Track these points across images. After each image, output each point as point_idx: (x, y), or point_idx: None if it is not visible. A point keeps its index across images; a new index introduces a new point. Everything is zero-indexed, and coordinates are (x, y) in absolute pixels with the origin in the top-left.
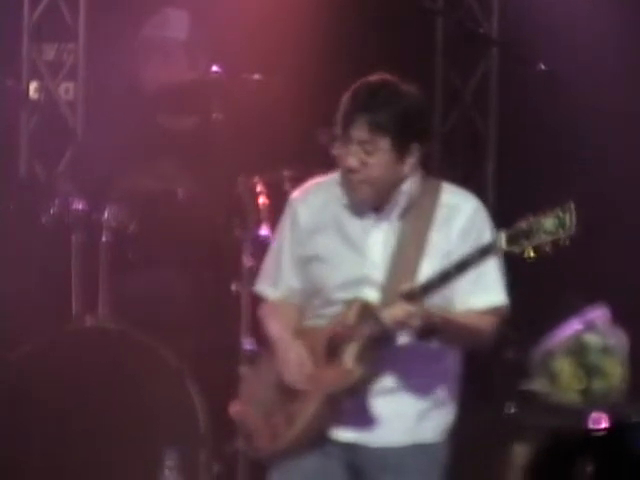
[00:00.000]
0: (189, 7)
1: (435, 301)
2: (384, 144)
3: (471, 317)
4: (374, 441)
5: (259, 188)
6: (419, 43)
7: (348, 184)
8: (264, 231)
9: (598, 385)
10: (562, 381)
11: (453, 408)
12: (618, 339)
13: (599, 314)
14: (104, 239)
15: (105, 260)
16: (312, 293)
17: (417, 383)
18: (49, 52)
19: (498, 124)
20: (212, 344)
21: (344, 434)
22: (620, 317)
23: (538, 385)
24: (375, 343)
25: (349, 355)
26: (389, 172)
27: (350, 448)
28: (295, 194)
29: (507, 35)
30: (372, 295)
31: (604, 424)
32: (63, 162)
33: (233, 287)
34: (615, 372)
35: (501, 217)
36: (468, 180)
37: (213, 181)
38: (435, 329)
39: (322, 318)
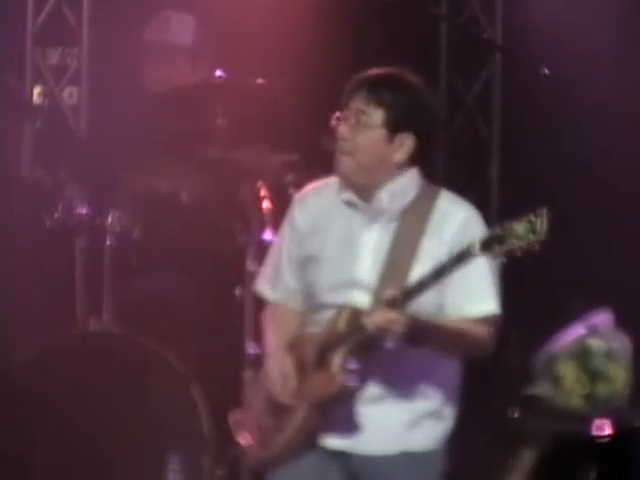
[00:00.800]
0: (192, 11)
1: (429, 310)
2: (377, 117)
3: (464, 325)
4: (363, 449)
5: (263, 192)
6: (423, 48)
7: (337, 155)
8: (268, 236)
9: (602, 390)
10: (565, 386)
11: (450, 417)
12: (622, 344)
13: (603, 318)
14: (108, 243)
15: (109, 264)
16: (307, 295)
17: (407, 391)
18: (53, 56)
19: (501, 129)
20: (216, 348)
21: (334, 442)
22: (624, 321)
23: (541, 389)
24: (361, 350)
25: (335, 362)
26: (376, 148)
27: (341, 456)
28: (296, 196)
29: (511, 40)
30: (362, 299)
31: (608, 430)
32: (67, 166)
33: (237, 292)
34: (619, 377)
35: (505, 220)
36: (471, 185)
37: (217, 185)
38: (422, 336)
39: (315, 324)
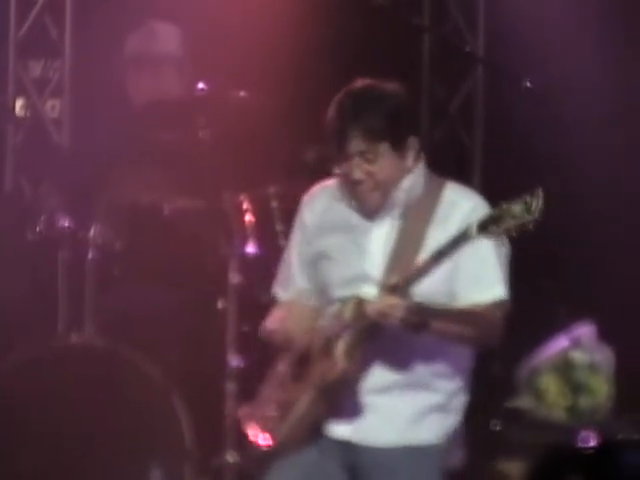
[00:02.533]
0: (174, 23)
1: (441, 300)
2: (383, 149)
3: (473, 311)
4: (367, 439)
5: (245, 205)
6: (405, 58)
7: (358, 195)
8: (250, 248)
9: (584, 402)
10: (548, 398)
11: (457, 411)
12: (604, 356)
13: (585, 331)
14: (90, 256)
15: (91, 277)
16: (321, 293)
17: (413, 384)
18: (35, 69)
19: (483, 140)
20: (198, 361)
21: (339, 431)
22: (606, 333)
23: (524, 402)
24: (364, 337)
25: (339, 349)
26: (394, 172)
27: (345, 445)
28: (305, 197)
29: (493, 51)
30: (371, 292)
31: (593, 442)
32: (48, 179)
33: (219, 304)
34: (601, 389)
35: None
36: None
37: (199, 198)
38: (426, 321)
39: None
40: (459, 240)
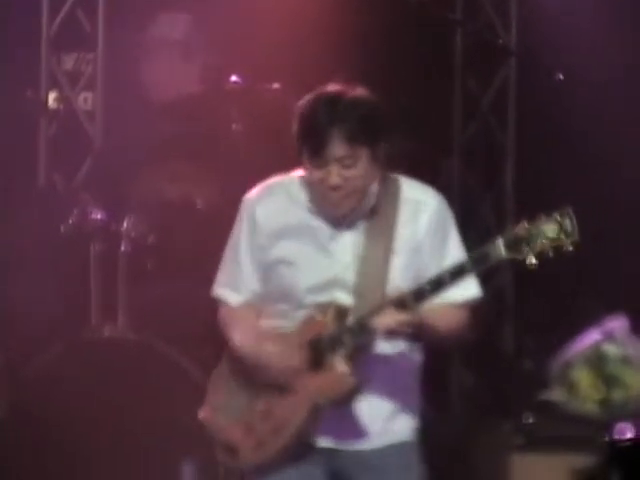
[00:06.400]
0: (204, 16)
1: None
2: (362, 154)
3: (445, 313)
4: (351, 445)
5: None
6: (438, 53)
7: (332, 201)
8: None
9: (617, 395)
10: (581, 391)
11: (417, 408)
12: (637, 349)
13: (618, 324)
14: (123, 249)
15: (124, 270)
16: (279, 297)
17: (384, 384)
18: (68, 62)
19: (516, 134)
20: None
21: (323, 440)
22: (639, 326)
23: (556, 395)
24: (359, 349)
25: (339, 362)
26: (370, 178)
27: (329, 453)
28: (251, 194)
29: (526, 44)
30: (344, 297)
31: (629, 434)
32: (82, 172)
33: None
34: (634, 382)
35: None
36: (487, 190)
37: (232, 191)
38: (421, 333)
39: (291, 320)
40: (482, 259)
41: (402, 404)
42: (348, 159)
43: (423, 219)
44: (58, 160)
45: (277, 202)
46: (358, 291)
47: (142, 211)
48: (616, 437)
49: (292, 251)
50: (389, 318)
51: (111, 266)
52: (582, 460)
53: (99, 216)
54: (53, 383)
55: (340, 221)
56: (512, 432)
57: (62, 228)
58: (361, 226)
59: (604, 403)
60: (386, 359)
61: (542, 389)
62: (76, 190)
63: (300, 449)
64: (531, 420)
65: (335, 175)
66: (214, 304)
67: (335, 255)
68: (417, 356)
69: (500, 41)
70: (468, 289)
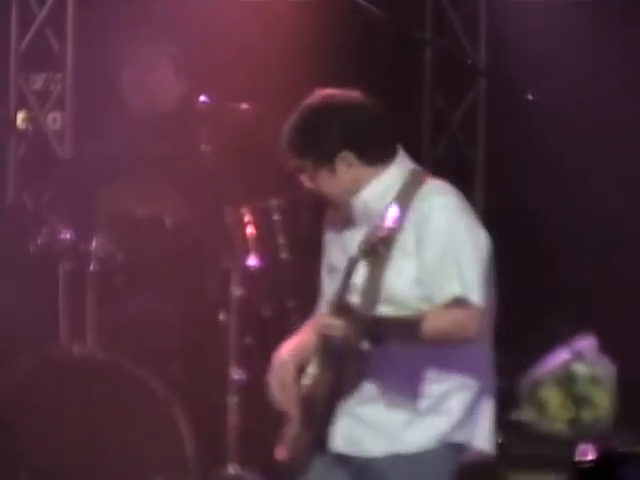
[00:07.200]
0: (175, 36)
1: (416, 304)
2: (309, 165)
3: (434, 314)
4: (359, 451)
5: (247, 218)
6: (408, 71)
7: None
8: (252, 261)
9: (586, 415)
10: (550, 411)
11: (452, 412)
12: (606, 368)
13: (587, 343)
14: (92, 268)
15: (93, 289)
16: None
17: (400, 390)
18: (37, 81)
19: (486, 152)
20: (200, 373)
21: (335, 444)
22: (608, 346)
23: (526, 415)
24: (331, 357)
25: (309, 368)
26: (333, 185)
27: (344, 459)
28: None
29: (495, 63)
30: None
31: (591, 455)
32: (50, 191)
33: (221, 317)
34: (603, 402)
35: (490, 241)
36: None
37: (201, 211)
38: (382, 336)
39: None
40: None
41: (423, 410)
42: (304, 170)
43: (413, 222)
44: (27, 180)
45: (331, 214)
46: (364, 296)
47: (110, 230)
48: (578, 458)
49: (335, 257)
50: (324, 322)
51: (80, 285)
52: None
53: (68, 236)
54: (21, 401)
55: (354, 223)
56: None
57: (31, 247)
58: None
59: (573, 423)
60: (400, 362)
61: (511, 408)
62: (44, 210)
63: (311, 455)
64: (500, 440)
65: (306, 180)
66: (182, 322)
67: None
68: (457, 359)
69: (469, 61)
70: (445, 288)
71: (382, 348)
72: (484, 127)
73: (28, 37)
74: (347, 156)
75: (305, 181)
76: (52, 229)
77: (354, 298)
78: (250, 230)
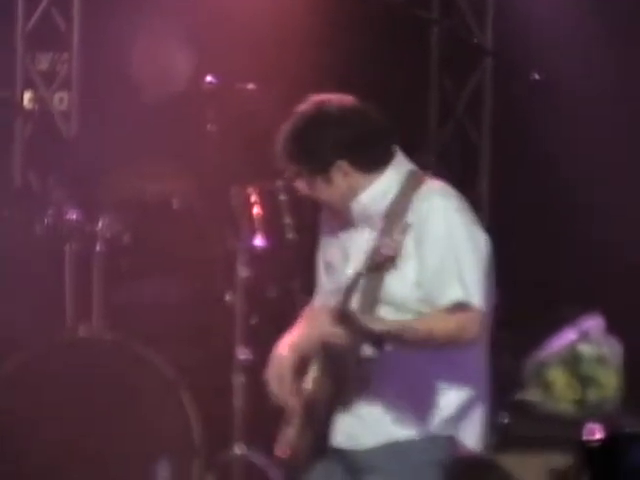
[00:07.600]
0: (182, 17)
1: (415, 307)
2: (304, 172)
3: (433, 318)
4: (353, 444)
5: (253, 198)
6: (414, 52)
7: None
8: (258, 241)
9: (592, 395)
10: (556, 391)
11: (441, 407)
12: (612, 349)
13: (593, 324)
14: (98, 249)
15: (99, 270)
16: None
17: (395, 386)
18: (43, 62)
19: (492, 134)
20: (206, 354)
21: (336, 442)
22: (614, 326)
23: (532, 395)
24: (327, 360)
25: (311, 372)
26: (330, 193)
27: (340, 453)
28: None
29: (501, 45)
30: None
31: (598, 435)
32: (57, 172)
33: (227, 297)
34: (609, 382)
35: (495, 226)
36: (462, 190)
37: (207, 191)
38: (380, 343)
39: None
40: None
41: (415, 402)
42: (299, 176)
43: (413, 223)
44: (33, 160)
45: (326, 211)
46: (363, 296)
47: (117, 211)
48: (585, 438)
49: (331, 255)
50: (322, 329)
51: (86, 266)
52: (557, 460)
53: (74, 216)
54: (28, 383)
55: (352, 224)
56: (487, 432)
57: (37, 228)
58: (374, 232)
59: (579, 403)
60: (392, 361)
61: (518, 389)
62: (51, 190)
63: (314, 456)
64: (506, 420)
65: (302, 187)
66: (188, 303)
67: (350, 260)
68: (425, 358)
69: (475, 40)
70: (447, 292)
71: (383, 354)
72: (490, 108)
73: (34, 17)
74: (342, 165)
75: (302, 187)
76: (58, 209)
77: (354, 299)
78: (256, 210)
